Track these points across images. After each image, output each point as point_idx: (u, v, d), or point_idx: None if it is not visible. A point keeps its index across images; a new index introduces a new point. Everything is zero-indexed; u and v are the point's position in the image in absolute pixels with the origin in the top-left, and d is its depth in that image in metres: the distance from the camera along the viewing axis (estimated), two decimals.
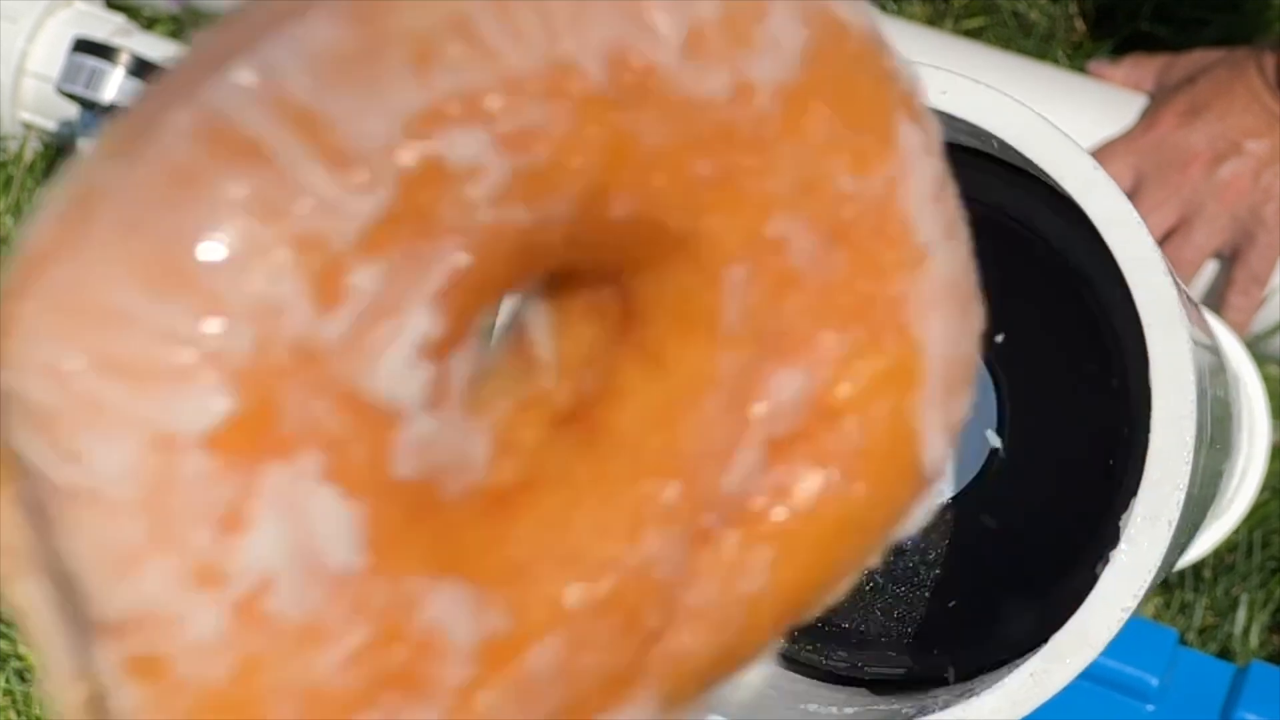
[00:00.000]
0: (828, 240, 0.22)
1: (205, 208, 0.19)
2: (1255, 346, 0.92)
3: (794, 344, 0.22)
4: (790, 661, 0.53)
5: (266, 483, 0.19)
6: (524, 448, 0.22)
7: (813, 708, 0.48)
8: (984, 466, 0.52)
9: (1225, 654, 0.90)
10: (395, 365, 0.20)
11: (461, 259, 0.20)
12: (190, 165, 0.19)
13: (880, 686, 0.52)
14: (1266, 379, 0.81)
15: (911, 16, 1.04)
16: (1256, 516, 0.92)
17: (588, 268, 0.22)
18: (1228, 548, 0.92)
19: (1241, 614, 0.91)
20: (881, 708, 0.48)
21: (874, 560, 0.24)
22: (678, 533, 0.22)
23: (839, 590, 0.24)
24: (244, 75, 0.19)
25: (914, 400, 0.23)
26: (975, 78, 0.44)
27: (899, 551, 0.53)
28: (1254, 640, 0.91)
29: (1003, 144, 0.44)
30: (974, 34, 1.04)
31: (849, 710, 0.48)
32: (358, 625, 0.20)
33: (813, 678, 0.52)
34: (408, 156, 0.19)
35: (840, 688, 0.52)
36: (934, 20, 1.06)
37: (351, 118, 0.19)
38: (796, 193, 0.22)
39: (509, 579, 0.21)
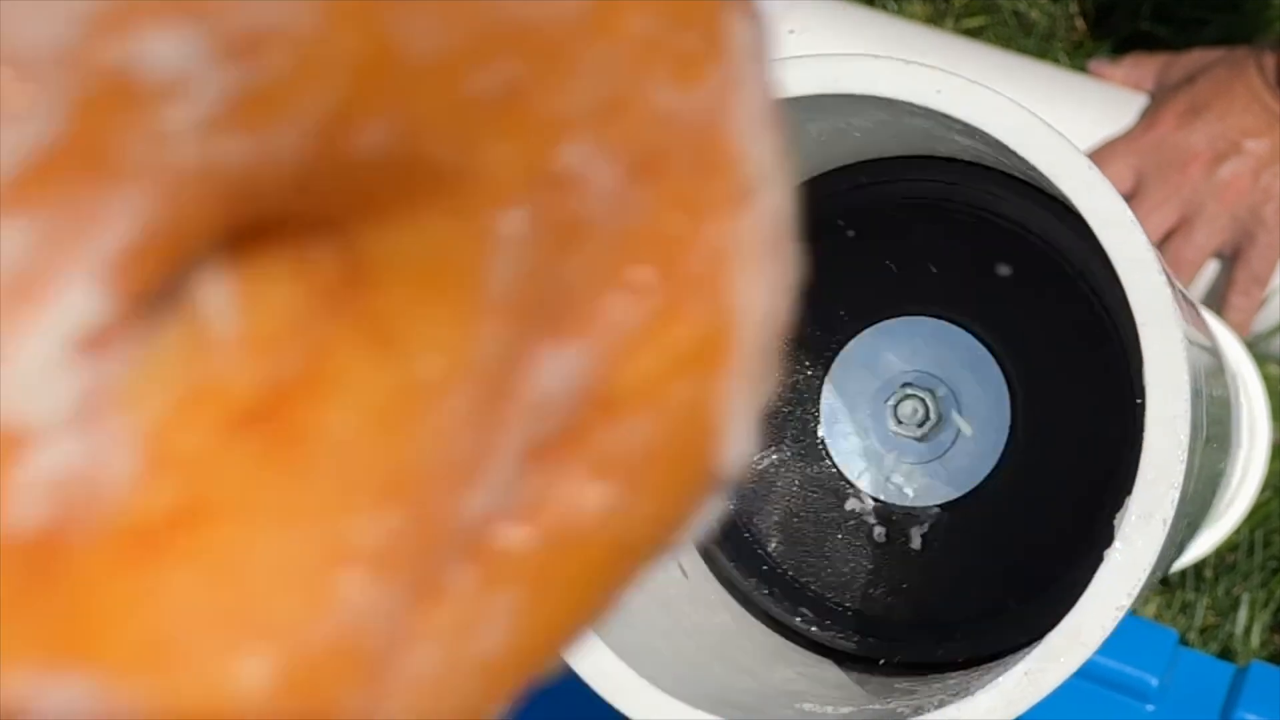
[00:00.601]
0: (633, 174, 0.17)
1: None
2: (1256, 346, 0.92)
3: (575, 315, 0.17)
4: (793, 633, 0.54)
5: None
6: (185, 460, 0.16)
7: (809, 707, 0.48)
8: (994, 467, 0.52)
9: (1226, 654, 0.90)
10: (34, 368, 0.14)
11: (149, 212, 0.15)
12: None
13: (878, 671, 0.52)
14: (1267, 379, 0.81)
15: (912, 16, 1.05)
16: (1258, 516, 0.92)
17: (303, 214, 0.16)
18: (1229, 547, 0.92)
19: (1243, 613, 0.91)
20: (877, 707, 0.48)
21: (638, 585, 0.19)
22: (395, 580, 0.16)
23: (595, 626, 0.19)
24: None
25: (719, 385, 0.18)
26: (972, 77, 0.44)
27: (900, 549, 0.54)
28: (1255, 640, 0.91)
29: (998, 144, 0.44)
30: (974, 33, 1.05)
31: (845, 710, 0.48)
32: None
33: (809, 649, 0.53)
34: (83, 69, 0.14)
35: (847, 671, 0.52)
36: (934, 20, 1.06)
37: (6, 14, 0.14)
38: (601, 113, 0.17)
39: (152, 660, 0.15)
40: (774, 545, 0.55)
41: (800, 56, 0.45)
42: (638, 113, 0.17)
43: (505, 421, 0.17)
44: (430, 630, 0.17)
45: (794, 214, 0.18)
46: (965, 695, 0.43)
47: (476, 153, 0.16)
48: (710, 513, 0.19)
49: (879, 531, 0.54)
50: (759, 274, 0.18)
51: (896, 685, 0.51)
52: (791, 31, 0.87)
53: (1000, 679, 0.42)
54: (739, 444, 0.18)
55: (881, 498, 0.54)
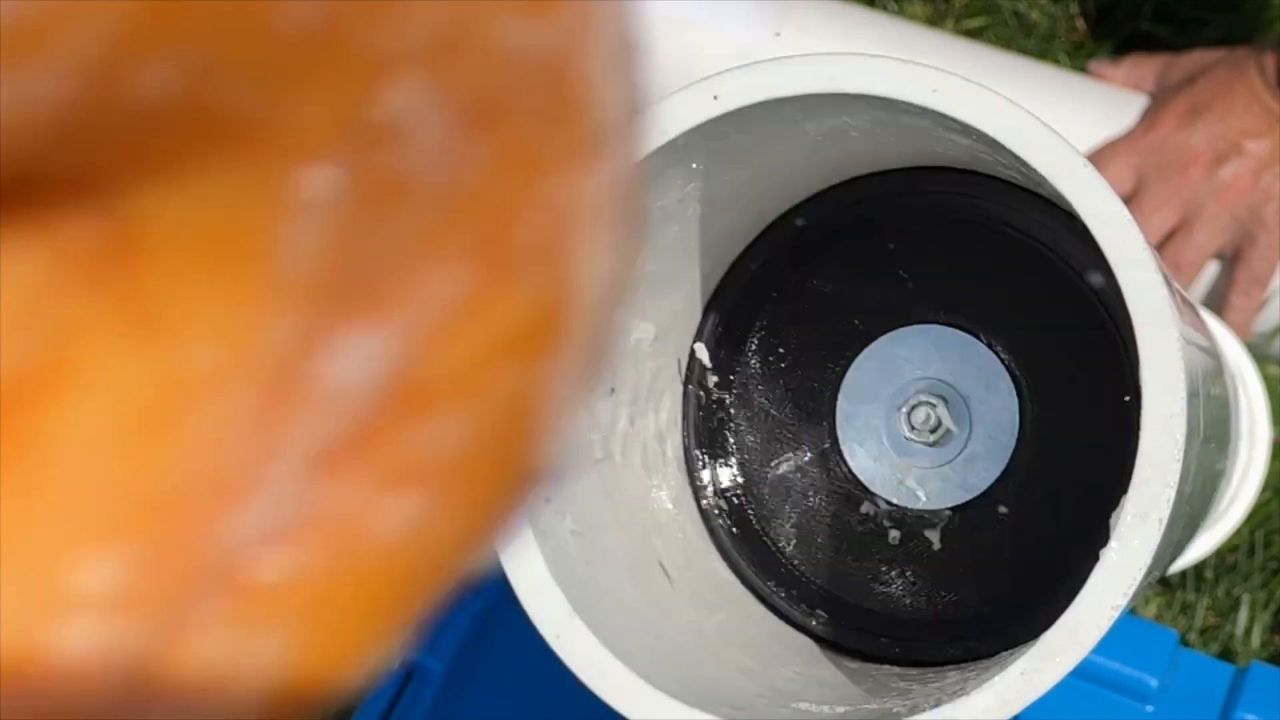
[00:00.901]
0: (465, 124, 0.14)
1: None
2: (1256, 347, 0.92)
3: (385, 293, 0.14)
4: (793, 633, 0.54)
5: None
6: None
7: (805, 706, 0.48)
8: (1004, 470, 0.53)
9: (1227, 654, 0.90)
10: None
11: None
12: None
13: (875, 671, 0.52)
14: (1267, 379, 0.81)
15: (912, 16, 1.05)
16: (1258, 516, 0.92)
17: (60, 172, 0.13)
18: (1229, 548, 0.92)
19: (1243, 614, 0.91)
20: (873, 706, 0.48)
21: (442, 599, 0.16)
22: (128, 628, 0.14)
23: (387, 654, 0.16)
24: None
25: (545, 371, 0.15)
26: (972, 78, 0.44)
27: (914, 551, 0.54)
28: (1255, 640, 0.91)
29: (995, 144, 0.44)
30: (975, 34, 1.05)
31: (840, 709, 0.48)
32: None
33: (809, 649, 0.54)
34: None
35: (845, 670, 0.53)
36: (934, 20, 1.06)
37: None
38: (432, 50, 0.14)
39: None
40: (790, 549, 0.56)
41: (799, 56, 0.45)
42: (476, 50, 0.14)
43: (289, 423, 0.14)
44: (169, 686, 0.14)
45: (646, 174, 0.16)
46: (961, 695, 0.43)
47: (280, 100, 0.14)
48: (518, 520, 0.16)
49: (894, 535, 0.55)
50: (602, 242, 0.15)
51: (893, 685, 0.51)
52: (777, 35, 0.87)
53: (996, 679, 0.42)
54: (559, 441, 0.16)
55: (895, 501, 0.55)
